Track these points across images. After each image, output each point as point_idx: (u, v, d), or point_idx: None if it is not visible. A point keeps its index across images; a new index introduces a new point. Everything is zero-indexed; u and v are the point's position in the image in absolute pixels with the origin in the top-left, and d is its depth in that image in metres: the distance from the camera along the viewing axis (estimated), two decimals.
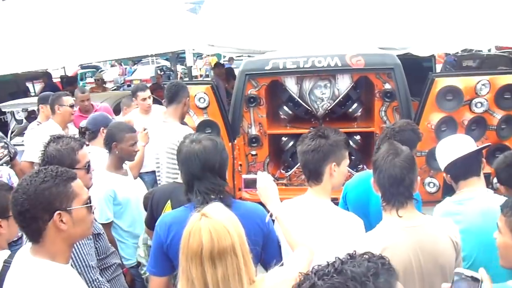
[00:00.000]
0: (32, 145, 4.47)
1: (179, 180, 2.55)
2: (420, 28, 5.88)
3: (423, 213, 2.24)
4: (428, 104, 4.39)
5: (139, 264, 3.31)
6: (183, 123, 3.97)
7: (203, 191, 2.15)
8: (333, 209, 2.36)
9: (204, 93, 4.67)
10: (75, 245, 2.12)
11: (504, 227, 1.87)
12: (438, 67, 8.93)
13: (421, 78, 4.69)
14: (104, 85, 11.68)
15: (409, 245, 2.04)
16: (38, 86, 11.48)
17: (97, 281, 2.34)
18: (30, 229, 1.76)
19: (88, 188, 2.21)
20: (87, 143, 3.03)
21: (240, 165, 4.86)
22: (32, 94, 10.66)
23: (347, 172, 2.55)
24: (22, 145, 5.18)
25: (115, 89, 15.09)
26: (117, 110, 6.20)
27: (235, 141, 4.78)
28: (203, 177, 2.17)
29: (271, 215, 2.13)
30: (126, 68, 23.94)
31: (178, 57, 13.89)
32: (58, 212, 1.75)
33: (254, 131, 4.89)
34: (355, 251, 1.17)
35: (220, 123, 4.69)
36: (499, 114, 4.37)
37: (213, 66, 13.33)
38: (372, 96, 4.77)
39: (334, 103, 4.81)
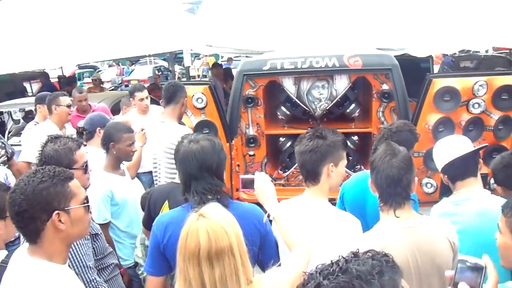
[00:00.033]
0: (29, 145, 4.46)
1: (177, 180, 2.55)
2: (418, 29, 5.88)
3: (420, 213, 2.24)
4: (426, 105, 4.40)
5: (136, 264, 3.30)
6: (181, 123, 3.97)
7: (200, 191, 2.16)
8: (331, 209, 2.36)
9: (202, 93, 4.66)
10: (72, 245, 2.12)
11: (504, 227, 1.88)
12: (436, 68, 8.95)
13: (418, 79, 4.70)
14: (101, 85, 11.67)
15: (406, 246, 2.04)
16: (36, 86, 11.45)
17: (95, 281, 2.34)
18: (28, 229, 1.76)
19: (85, 189, 2.21)
20: (84, 143, 3.02)
21: (238, 165, 4.87)
22: (30, 94, 10.63)
23: (345, 172, 2.55)
24: (20, 145, 5.17)
25: (112, 89, 15.07)
26: (114, 110, 6.19)
27: (233, 141, 4.78)
28: (200, 177, 2.18)
29: (268, 216, 2.14)
30: (123, 68, 23.90)
31: (176, 57, 13.87)
32: (56, 212, 1.75)
33: (252, 131, 4.89)
34: (358, 249, 1.17)
35: (218, 123, 4.69)
36: (496, 115, 4.38)
37: (211, 66, 13.32)
38: (369, 97, 4.78)
39: (332, 104, 4.81)
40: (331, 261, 1.13)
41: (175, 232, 1.67)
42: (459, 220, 2.42)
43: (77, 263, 2.27)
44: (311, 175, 2.33)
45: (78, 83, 16.61)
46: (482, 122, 4.40)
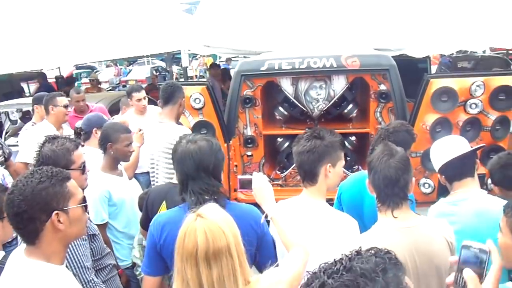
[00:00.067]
0: (26, 146, 4.45)
1: (174, 180, 2.55)
2: (415, 29, 5.89)
3: (417, 213, 2.25)
4: (423, 105, 4.40)
5: (134, 265, 3.30)
6: (178, 123, 3.96)
7: (197, 191, 2.16)
8: (328, 210, 2.37)
9: (200, 93, 4.66)
10: (70, 246, 2.12)
11: (505, 227, 1.88)
12: (433, 68, 8.96)
13: (416, 79, 4.70)
14: (99, 85, 11.68)
15: (404, 246, 2.04)
16: (33, 86, 11.44)
17: (92, 282, 2.34)
18: (27, 230, 1.76)
19: (83, 189, 2.21)
20: (82, 143, 3.02)
21: (236, 165, 4.86)
22: (27, 94, 10.61)
23: (342, 173, 2.55)
24: (17, 145, 5.16)
25: (110, 90, 15.05)
26: (112, 111, 6.19)
27: (231, 142, 4.78)
28: (197, 177, 2.18)
29: (266, 216, 2.14)
30: (121, 69, 23.86)
31: (173, 58, 13.86)
32: (56, 212, 1.75)
33: (249, 131, 4.89)
34: (360, 247, 1.17)
35: (216, 124, 4.68)
36: (493, 115, 4.39)
37: (208, 66, 13.31)
38: (367, 97, 4.78)
39: (330, 104, 4.81)
40: (334, 259, 1.12)
41: (172, 232, 1.67)
42: (456, 220, 2.43)
43: (74, 264, 2.27)
44: (309, 176, 2.33)
45: (76, 83, 16.62)
46: (480, 123, 4.41)
